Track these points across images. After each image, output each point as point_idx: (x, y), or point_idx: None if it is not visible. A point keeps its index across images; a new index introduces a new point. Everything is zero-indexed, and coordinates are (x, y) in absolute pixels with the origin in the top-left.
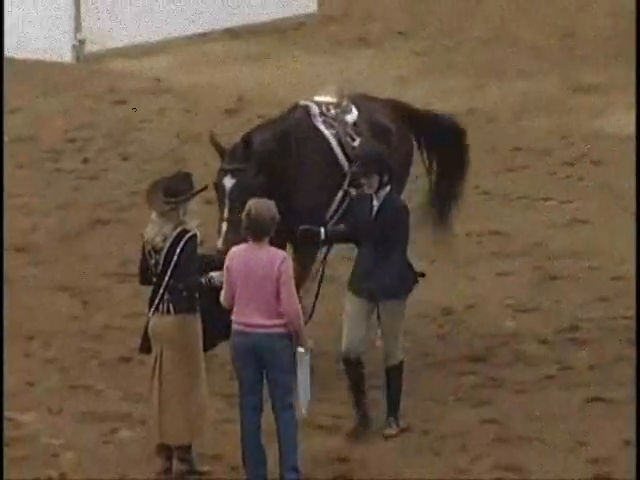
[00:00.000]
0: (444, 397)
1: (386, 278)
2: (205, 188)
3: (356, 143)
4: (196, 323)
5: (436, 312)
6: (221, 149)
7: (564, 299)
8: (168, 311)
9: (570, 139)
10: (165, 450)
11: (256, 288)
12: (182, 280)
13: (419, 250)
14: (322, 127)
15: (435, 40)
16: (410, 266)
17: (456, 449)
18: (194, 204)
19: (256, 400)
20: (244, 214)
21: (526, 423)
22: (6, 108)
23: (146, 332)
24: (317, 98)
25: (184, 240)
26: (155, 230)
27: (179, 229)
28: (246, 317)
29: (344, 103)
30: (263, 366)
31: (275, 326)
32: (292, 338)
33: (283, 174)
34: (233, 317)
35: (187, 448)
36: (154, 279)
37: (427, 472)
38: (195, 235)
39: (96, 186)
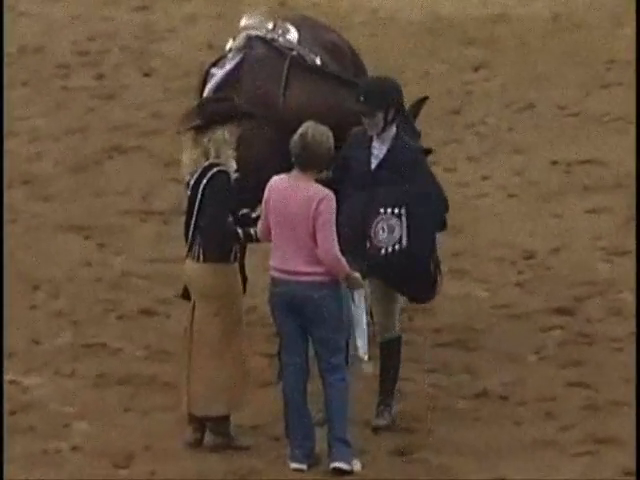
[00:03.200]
0: (525, 356)
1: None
2: (248, 116)
3: (318, 60)
4: (231, 273)
5: (516, 256)
6: None
7: None
8: (199, 258)
9: None
10: (196, 419)
11: (292, 229)
12: (206, 225)
13: (496, 181)
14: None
15: None
16: None
17: (540, 417)
18: (227, 134)
19: (300, 360)
20: (297, 136)
21: (622, 386)
22: (11, 14)
23: None
24: (247, 22)
25: (209, 175)
26: (184, 159)
27: (207, 162)
28: (284, 262)
29: (279, 23)
30: (306, 320)
31: (315, 274)
32: (338, 287)
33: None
34: (270, 262)
35: (222, 419)
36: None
37: (505, 444)
38: (223, 171)
39: (113, 107)
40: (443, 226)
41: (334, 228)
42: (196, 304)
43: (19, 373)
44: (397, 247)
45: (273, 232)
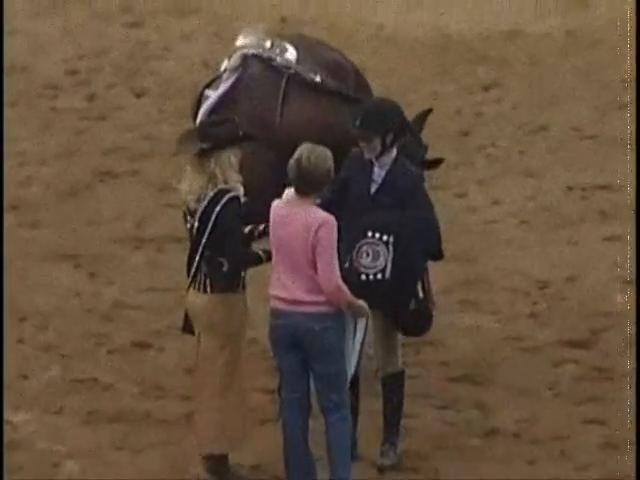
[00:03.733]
0: (539, 391)
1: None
2: (251, 138)
3: (318, 78)
4: (239, 305)
5: (529, 285)
6: None
7: None
8: (205, 289)
9: None
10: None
11: (292, 256)
12: (222, 253)
13: (508, 207)
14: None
15: None
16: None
17: (554, 456)
18: (232, 157)
19: (300, 396)
20: (292, 161)
21: None
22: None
23: None
24: (244, 41)
25: (222, 202)
26: (186, 186)
27: (216, 188)
28: (285, 291)
29: (276, 42)
30: (307, 354)
31: (318, 303)
32: (341, 318)
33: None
34: (270, 290)
35: (221, 458)
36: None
37: None
38: (237, 197)
39: (104, 129)
40: (439, 256)
41: (335, 254)
42: (201, 337)
43: (6, 409)
44: (379, 276)
45: (274, 259)
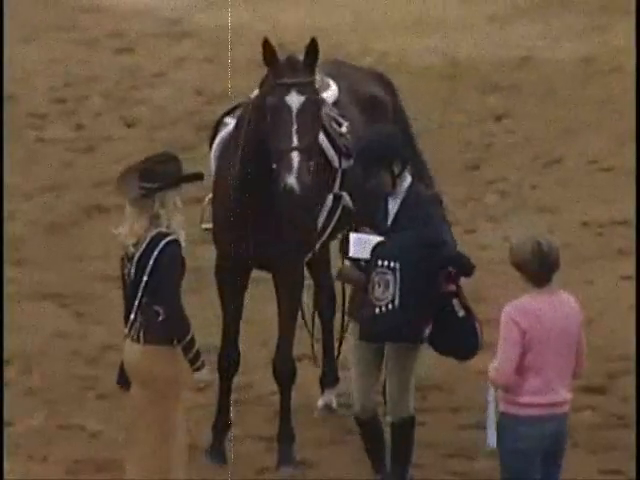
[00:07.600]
0: None
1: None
2: (199, 177)
3: (344, 128)
4: (172, 357)
5: None
6: (275, 58)
7: None
8: (137, 338)
9: None
10: None
11: (561, 352)
12: (158, 301)
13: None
14: None
15: None
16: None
17: None
18: (178, 198)
19: None
20: (529, 255)
21: None
22: None
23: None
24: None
25: (160, 246)
26: (126, 227)
27: (155, 231)
28: (552, 394)
29: (318, 78)
30: (550, 454)
31: (569, 401)
32: None
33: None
34: (521, 398)
35: None
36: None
37: None
38: (175, 240)
39: (93, 161)
40: (468, 270)
41: None
42: (132, 390)
43: None
44: (390, 307)
45: (531, 360)
